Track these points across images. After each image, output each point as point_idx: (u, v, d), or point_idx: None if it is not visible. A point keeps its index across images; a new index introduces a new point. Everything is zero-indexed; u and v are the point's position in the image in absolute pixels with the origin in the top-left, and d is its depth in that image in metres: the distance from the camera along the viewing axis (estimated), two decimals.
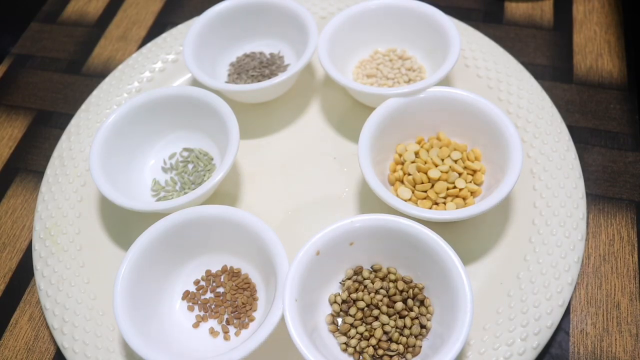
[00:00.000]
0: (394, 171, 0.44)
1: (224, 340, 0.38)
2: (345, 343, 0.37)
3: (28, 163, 0.52)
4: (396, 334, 0.36)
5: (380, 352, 0.36)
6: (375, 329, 0.36)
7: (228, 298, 0.40)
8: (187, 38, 0.49)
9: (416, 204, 0.41)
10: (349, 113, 0.50)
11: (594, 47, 0.54)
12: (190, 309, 0.40)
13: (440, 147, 0.43)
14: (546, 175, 0.43)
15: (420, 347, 0.36)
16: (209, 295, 0.41)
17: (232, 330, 0.39)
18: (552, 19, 0.57)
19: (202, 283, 0.41)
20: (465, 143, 0.44)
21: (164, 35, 0.56)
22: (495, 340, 0.37)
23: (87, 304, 0.41)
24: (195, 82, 0.52)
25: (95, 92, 0.52)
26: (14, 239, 0.47)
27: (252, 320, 0.39)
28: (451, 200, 0.41)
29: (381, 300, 0.37)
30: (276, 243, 0.37)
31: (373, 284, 0.38)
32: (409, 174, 0.42)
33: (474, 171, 0.43)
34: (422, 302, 0.37)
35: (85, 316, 0.40)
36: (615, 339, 0.39)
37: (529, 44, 0.55)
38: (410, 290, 0.37)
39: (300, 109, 0.51)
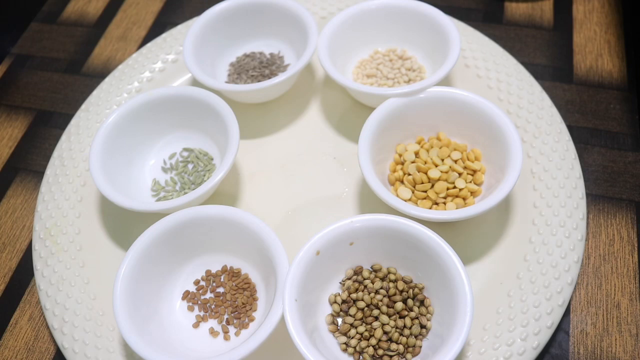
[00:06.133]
0: (394, 171, 0.44)
1: (224, 340, 0.38)
2: (345, 343, 0.37)
3: (28, 163, 0.52)
4: (396, 334, 0.36)
5: (380, 352, 0.36)
6: (375, 329, 0.36)
7: (228, 298, 0.40)
8: (187, 38, 0.49)
9: (416, 204, 0.41)
10: (349, 113, 0.50)
11: (594, 47, 0.54)
12: (190, 309, 0.40)
13: (440, 147, 0.43)
14: (546, 175, 0.43)
15: (420, 347, 0.36)
16: (209, 295, 0.41)
17: (232, 330, 0.39)
18: (552, 19, 0.57)
19: (202, 283, 0.41)
20: (465, 143, 0.44)
21: (164, 35, 0.56)
22: (495, 340, 0.37)
23: (87, 304, 0.41)
24: (195, 82, 0.52)
25: (95, 92, 0.52)
26: (14, 239, 0.47)
27: (252, 320, 0.39)
28: (451, 200, 0.41)
29: (381, 300, 0.37)
30: (276, 243, 0.37)
31: (373, 284, 0.38)
32: (409, 174, 0.42)
33: (474, 171, 0.43)
34: (422, 302, 0.37)
35: (85, 316, 0.40)
36: (615, 339, 0.39)
37: (529, 44, 0.55)
38: (410, 290, 0.37)
39: (300, 109, 0.51)
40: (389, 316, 0.37)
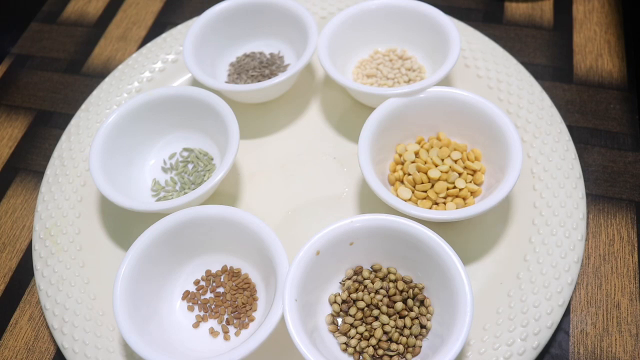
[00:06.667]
0: (394, 171, 0.44)
1: (224, 340, 0.39)
2: (345, 343, 0.37)
3: (28, 163, 0.52)
4: (396, 334, 0.36)
5: (380, 352, 0.36)
6: (375, 329, 0.36)
7: (228, 298, 0.40)
8: (187, 38, 0.49)
9: (416, 204, 0.41)
10: (349, 113, 0.50)
11: (594, 47, 0.54)
12: (190, 309, 0.40)
13: (440, 147, 0.43)
14: (546, 175, 0.43)
15: (420, 347, 0.36)
16: (209, 295, 0.41)
17: (232, 330, 0.39)
18: (552, 19, 0.57)
19: (202, 283, 0.41)
20: (465, 143, 0.44)
21: (164, 35, 0.56)
22: (495, 340, 0.37)
23: (87, 304, 0.41)
24: (195, 82, 0.52)
25: (95, 92, 0.52)
26: (14, 239, 0.47)
27: (252, 320, 0.39)
28: (451, 200, 0.41)
29: (381, 300, 0.37)
30: (276, 243, 0.37)
31: (373, 284, 0.38)
32: (409, 174, 0.42)
33: (474, 171, 0.43)
34: (422, 302, 0.37)
35: (85, 316, 0.40)
36: (615, 339, 0.39)
37: (529, 44, 0.55)
38: (410, 290, 0.37)
39: (300, 109, 0.51)
40: (389, 316, 0.37)
